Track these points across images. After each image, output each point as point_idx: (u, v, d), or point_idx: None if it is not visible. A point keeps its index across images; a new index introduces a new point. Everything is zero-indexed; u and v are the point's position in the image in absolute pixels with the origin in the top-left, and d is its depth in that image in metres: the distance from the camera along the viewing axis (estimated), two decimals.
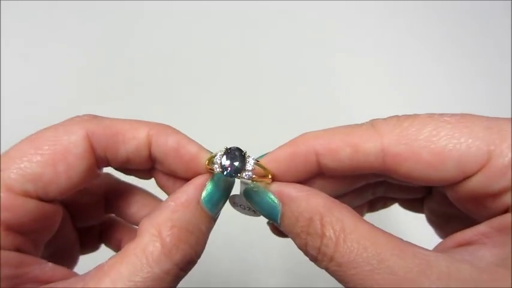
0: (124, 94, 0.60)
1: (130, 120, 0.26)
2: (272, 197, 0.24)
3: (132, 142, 0.25)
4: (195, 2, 0.66)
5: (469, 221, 0.23)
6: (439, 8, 0.67)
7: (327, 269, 0.22)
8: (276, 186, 0.24)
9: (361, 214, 0.32)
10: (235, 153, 0.24)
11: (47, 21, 0.64)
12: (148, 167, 0.27)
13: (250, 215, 0.28)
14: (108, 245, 0.33)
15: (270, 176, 0.24)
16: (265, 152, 0.25)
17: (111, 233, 0.33)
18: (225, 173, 0.24)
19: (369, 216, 0.31)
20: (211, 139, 0.29)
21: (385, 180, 0.28)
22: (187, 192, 0.24)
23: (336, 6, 0.68)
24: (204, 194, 0.24)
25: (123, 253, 0.22)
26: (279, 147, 0.25)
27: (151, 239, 0.22)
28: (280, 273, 0.49)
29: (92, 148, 0.25)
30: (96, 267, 0.22)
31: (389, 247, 0.20)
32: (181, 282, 0.23)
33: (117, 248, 0.32)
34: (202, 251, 0.24)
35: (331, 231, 0.21)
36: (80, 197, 0.29)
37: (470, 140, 0.21)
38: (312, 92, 0.61)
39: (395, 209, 0.32)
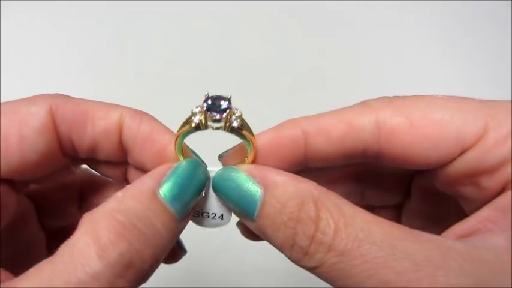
0: (124, 94, 0.59)
1: (103, 102, 0.23)
2: (252, 182, 0.20)
3: (101, 123, 0.22)
4: (196, 2, 0.65)
5: (452, 221, 0.21)
6: (438, 8, 0.66)
7: (319, 265, 0.18)
8: (257, 170, 0.21)
9: None
10: (218, 102, 0.21)
11: (47, 21, 0.63)
12: (118, 158, 0.23)
13: (213, 226, 0.23)
14: None
15: (250, 155, 0.21)
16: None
17: None
18: (208, 115, 0.20)
19: None
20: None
21: (366, 182, 0.27)
22: (141, 181, 0.20)
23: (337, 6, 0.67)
24: (164, 185, 0.20)
25: (55, 253, 0.18)
26: (261, 132, 0.22)
27: (83, 235, 0.18)
28: (280, 273, 0.48)
29: (53, 124, 0.22)
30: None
31: (398, 233, 0.17)
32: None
33: None
34: (154, 257, 0.19)
35: (328, 214, 0.18)
36: (51, 191, 0.26)
37: (466, 112, 0.20)
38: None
39: None
